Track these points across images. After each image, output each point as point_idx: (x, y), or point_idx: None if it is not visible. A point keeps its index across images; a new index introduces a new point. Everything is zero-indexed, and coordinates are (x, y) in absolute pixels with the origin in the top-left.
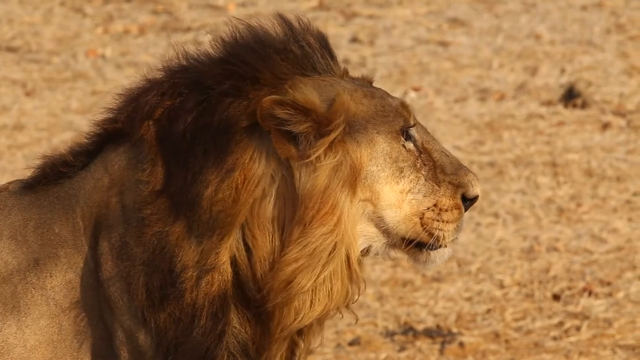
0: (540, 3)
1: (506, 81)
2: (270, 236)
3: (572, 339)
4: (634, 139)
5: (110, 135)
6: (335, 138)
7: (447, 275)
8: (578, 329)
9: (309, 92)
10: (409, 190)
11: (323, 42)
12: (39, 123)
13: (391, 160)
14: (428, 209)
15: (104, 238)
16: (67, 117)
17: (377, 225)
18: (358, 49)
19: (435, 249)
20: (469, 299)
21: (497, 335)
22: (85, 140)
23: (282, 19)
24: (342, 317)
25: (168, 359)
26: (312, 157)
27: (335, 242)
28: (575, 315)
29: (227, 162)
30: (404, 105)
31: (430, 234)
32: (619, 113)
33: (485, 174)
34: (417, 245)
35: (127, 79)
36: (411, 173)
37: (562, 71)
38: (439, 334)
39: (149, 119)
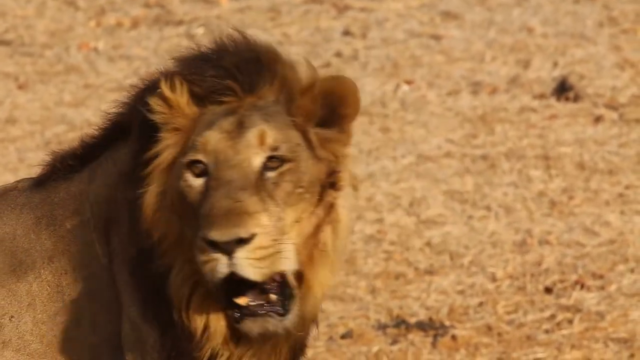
0: None
1: (499, 74)
2: None
3: (565, 332)
4: (626, 132)
5: (121, 129)
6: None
7: (439, 268)
8: (570, 322)
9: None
10: None
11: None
12: (31, 116)
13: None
14: None
15: (115, 233)
16: (60, 110)
17: None
18: (350, 42)
19: None
20: (461, 292)
21: (489, 328)
22: (95, 133)
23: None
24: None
25: (170, 354)
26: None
27: None
28: (567, 309)
29: None
30: (202, 143)
31: None
32: (612, 106)
33: (477, 167)
34: None
35: (119, 72)
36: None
37: (555, 64)
38: (431, 327)
39: None
